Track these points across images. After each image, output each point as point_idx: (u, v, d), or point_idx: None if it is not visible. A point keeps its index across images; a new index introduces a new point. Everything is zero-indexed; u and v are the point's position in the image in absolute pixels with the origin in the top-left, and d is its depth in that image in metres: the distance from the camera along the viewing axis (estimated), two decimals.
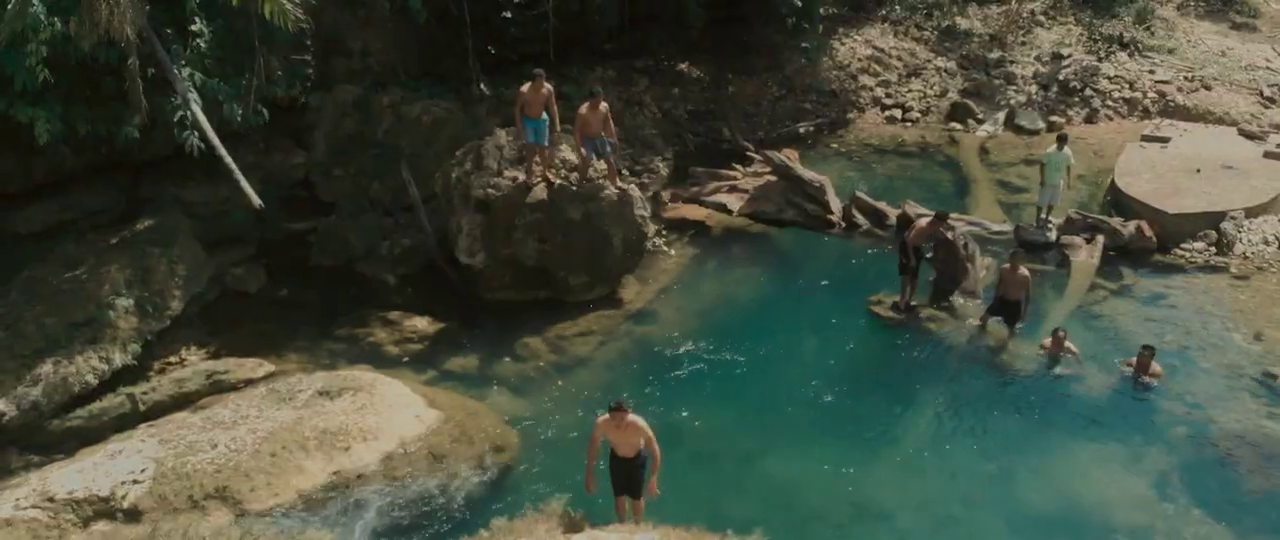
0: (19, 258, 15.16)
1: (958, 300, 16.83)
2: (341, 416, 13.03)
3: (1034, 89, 25.96)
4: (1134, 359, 14.67)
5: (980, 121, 25.05)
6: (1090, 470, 13.36)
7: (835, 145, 24.55)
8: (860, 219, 19.44)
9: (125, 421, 13.18)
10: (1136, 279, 17.68)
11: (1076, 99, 25.32)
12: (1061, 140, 18.65)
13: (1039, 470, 13.40)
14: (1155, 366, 14.57)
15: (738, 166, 20.96)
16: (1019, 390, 14.97)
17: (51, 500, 10.98)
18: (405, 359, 15.39)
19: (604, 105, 16.09)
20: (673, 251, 18.57)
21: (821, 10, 24.42)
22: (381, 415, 13.28)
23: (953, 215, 19.39)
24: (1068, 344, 15.09)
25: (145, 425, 12.87)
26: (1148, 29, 27.88)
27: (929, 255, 16.68)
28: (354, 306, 16.69)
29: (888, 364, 15.69)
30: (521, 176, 16.19)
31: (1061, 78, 25.82)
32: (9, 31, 11.40)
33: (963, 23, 29.29)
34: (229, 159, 13.66)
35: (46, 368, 12.86)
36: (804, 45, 24.34)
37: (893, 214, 19.47)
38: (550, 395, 14.84)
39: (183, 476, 11.51)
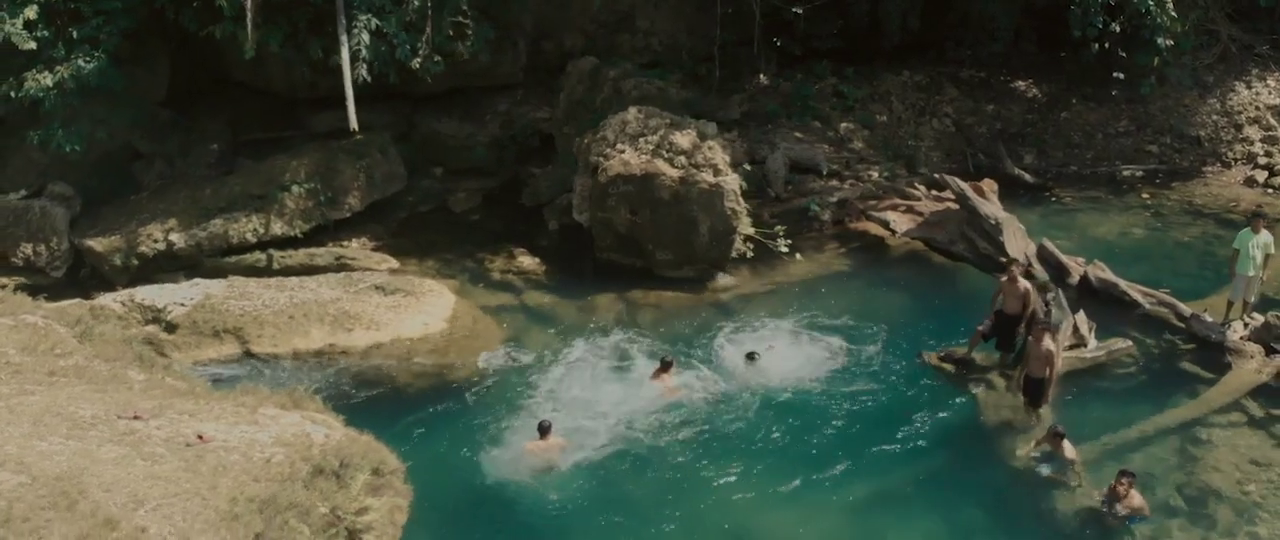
0: (298, 149, 20.24)
1: None
2: (369, 307, 16.04)
3: None
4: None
5: None
6: None
7: (1147, 196, 21.42)
8: (1038, 271, 17.35)
9: (260, 273, 17.50)
10: None
11: None
12: (1256, 220, 14.95)
13: None
14: (1134, 498, 11.89)
15: (919, 187, 19.64)
16: (985, 481, 13.12)
17: (130, 301, 15.63)
18: (481, 284, 17.89)
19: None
20: (798, 256, 18.39)
21: (1166, 41, 20.95)
22: (401, 315, 16.05)
23: (1158, 291, 16.56)
24: (1065, 445, 12.78)
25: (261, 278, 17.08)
26: None
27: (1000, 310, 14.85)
28: (507, 239, 19.43)
29: (888, 417, 14.34)
30: None
31: None
32: None
33: None
34: (351, 93, 17.14)
35: (217, 221, 17.65)
36: (1116, 75, 21.24)
37: (1077, 272, 17.12)
38: (572, 342, 16.23)
39: (216, 312, 15.43)
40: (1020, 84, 24.05)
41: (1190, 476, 12.98)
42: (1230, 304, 15.45)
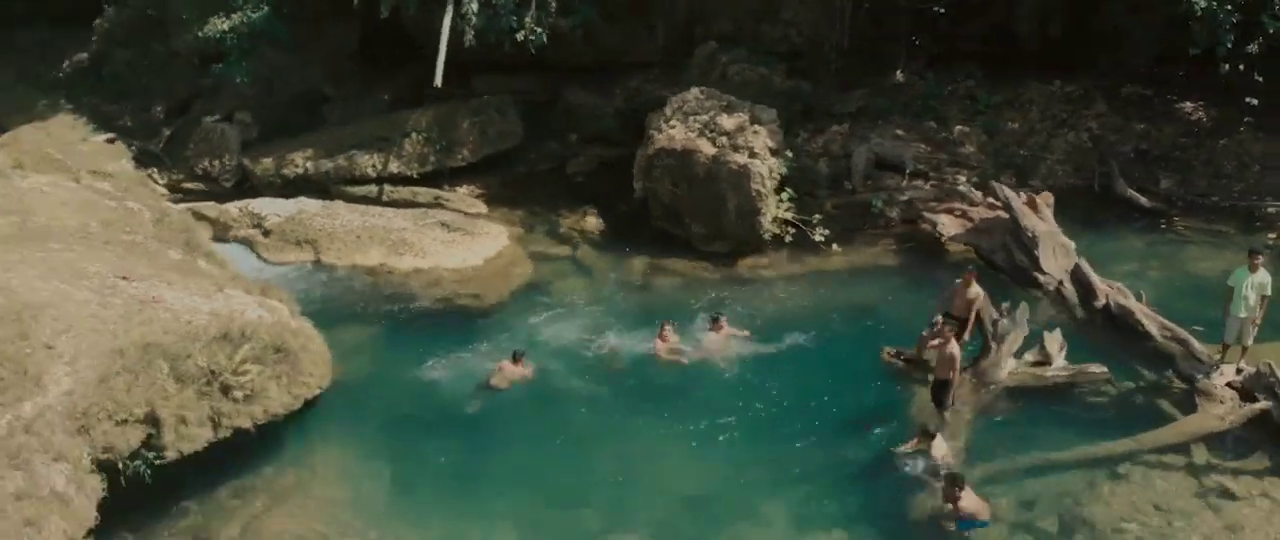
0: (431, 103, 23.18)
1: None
2: (426, 239, 18.70)
3: None
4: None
5: None
6: None
7: (1275, 236, 19.25)
8: (1068, 290, 16.69)
9: (371, 200, 20.62)
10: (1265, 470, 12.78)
11: None
12: (1253, 258, 13.61)
13: None
14: (967, 502, 11.76)
15: (976, 193, 18.99)
16: (864, 475, 13.29)
17: (245, 208, 19.20)
18: (545, 235, 20.08)
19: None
20: (835, 247, 18.68)
21: None
22: (450, 249, 18.58)
23: (1182, 327, 15.47)
24: (935, 445, 12.79)
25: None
26: None
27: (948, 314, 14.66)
28: (595, 202, 21.23)
29: (821, 405, 14.69)
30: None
31: None
32: None
33: None
34: (443, 52, 19.57)
35: (341, 156, 20.94)
36: (1249, 100, 19.16)
37: (1103, 295, 16.28)
38: (594, 294, 17.96)
39: (302, 225, 18.68)
40: (1186, 105, 22.23)
41: (1077, 506, 12.49)
42: (1225, 346, 14.16)
